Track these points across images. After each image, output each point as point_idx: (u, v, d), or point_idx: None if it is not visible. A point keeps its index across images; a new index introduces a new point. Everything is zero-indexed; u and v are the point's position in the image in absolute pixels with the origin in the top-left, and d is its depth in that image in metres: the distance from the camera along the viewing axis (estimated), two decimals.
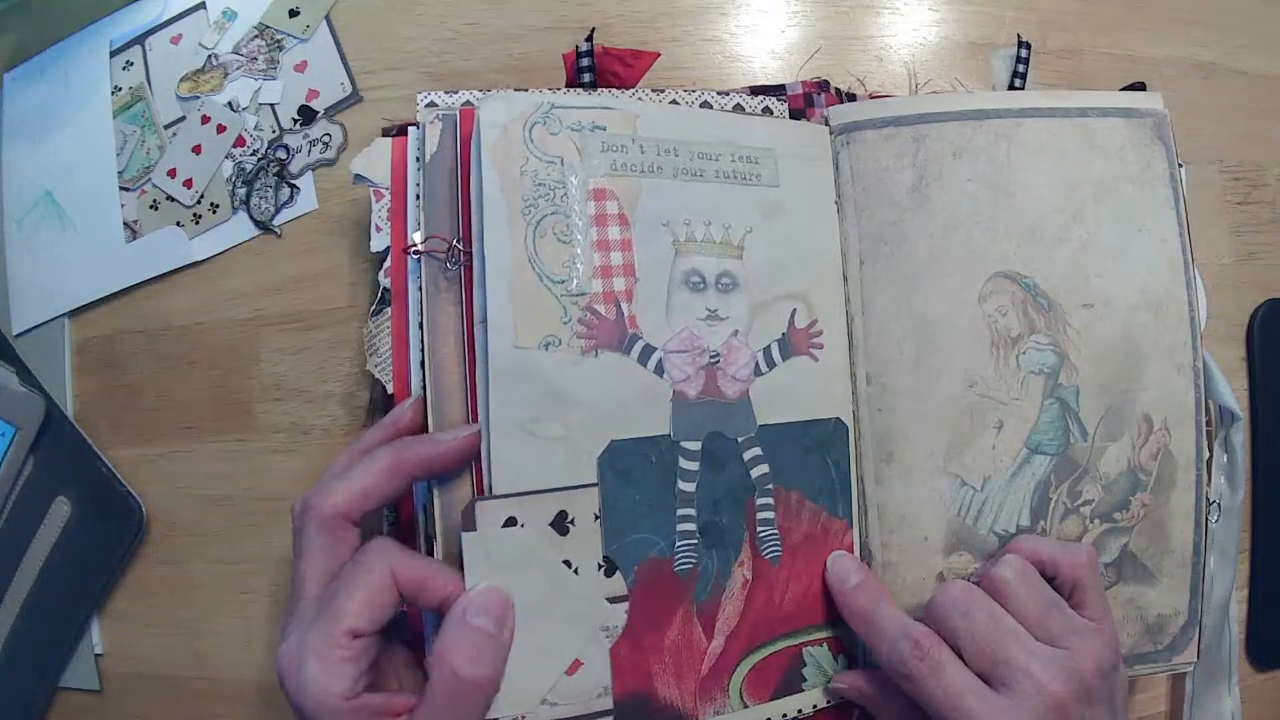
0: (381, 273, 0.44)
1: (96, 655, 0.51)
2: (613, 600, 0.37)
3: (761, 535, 0.41)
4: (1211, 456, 0.49)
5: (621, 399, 0.39)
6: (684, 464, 0.40)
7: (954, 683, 0.36)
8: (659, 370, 0.39)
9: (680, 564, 0.39)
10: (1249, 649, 0.52)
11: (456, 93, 0.43)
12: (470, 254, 0.38)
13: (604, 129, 0.40)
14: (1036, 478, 0.43)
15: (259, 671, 0.49)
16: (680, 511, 0.39)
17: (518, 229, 0.37)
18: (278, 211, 0.51)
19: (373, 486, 0.35)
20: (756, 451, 0.41)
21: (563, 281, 0.38)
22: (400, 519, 0.41)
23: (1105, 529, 0.44)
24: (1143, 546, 0.44)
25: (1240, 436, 0.51)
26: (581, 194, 0.39)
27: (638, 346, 0.39)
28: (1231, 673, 0.50)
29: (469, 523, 0.34)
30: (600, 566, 0.36)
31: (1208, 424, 0.47)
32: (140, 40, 0.55)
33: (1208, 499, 0.46)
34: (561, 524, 0.36)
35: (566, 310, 0.38)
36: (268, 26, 0.54)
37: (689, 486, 0.40)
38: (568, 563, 0.36)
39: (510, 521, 0.35)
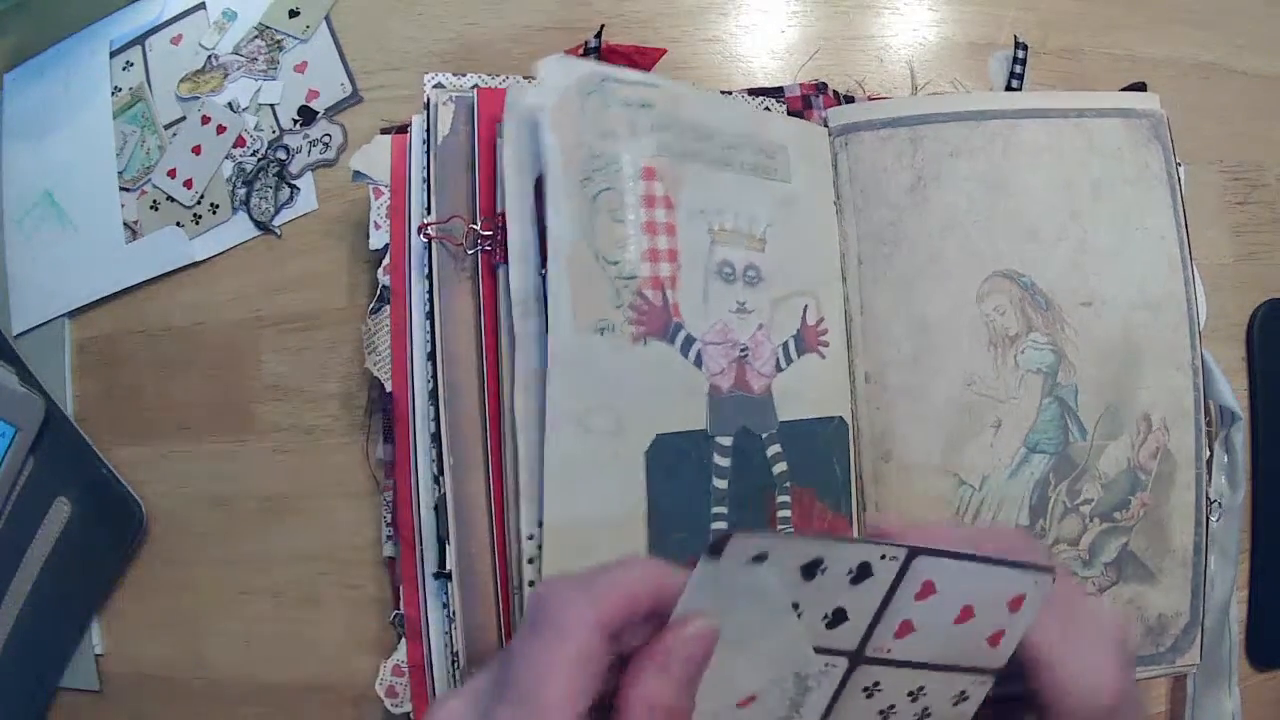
0: (381, 270, 0.44)
1: (96, 655, 0.51)
2: (821, 651, 0.30)
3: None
4: (1212, 456, 0.49)
5: (665, 391, 0.37)
6: (718, 460, 0.39)
7: None
8: (698, 362, 0.38)
9: None
10: (1249, 649, 0.52)
11: (465, 75, 0.42)
12: (488, 238, 0.37)
13: (652, 107, 0.38)
14: (1035, 477, 0.43)
15: (259, 671, 0.49)
16: (714, 509, 0.38)
17: (576, 202, 0.35)
18: (278, 212, 0.51)
19: None
20: (777, 448, 0.40)
21: (616, 263, 0.36)
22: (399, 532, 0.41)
23: (1105, 528, 0.44)
24: (1143, 546, 0.44)
25: (1240, 436, 0.51)
26: (633, 171, 0.37)
27: (680, 336, 0.38)
28: (1231, 673, 0.50)
29: (716, 550, 0.28)
30: (825, 618, 0.30)
31: (1208, 424, 0.47)
32: (140, 41, 0.55)
33: (1209, 498, 0.46)
34: (811, 571, 0.30)
35: (619, 294, 0.36)
36: (268, 27, 0.54)
37: (722, 483, 0.39)
38: (795, 605, 0.30)
39: (760, 558, 0.29)
